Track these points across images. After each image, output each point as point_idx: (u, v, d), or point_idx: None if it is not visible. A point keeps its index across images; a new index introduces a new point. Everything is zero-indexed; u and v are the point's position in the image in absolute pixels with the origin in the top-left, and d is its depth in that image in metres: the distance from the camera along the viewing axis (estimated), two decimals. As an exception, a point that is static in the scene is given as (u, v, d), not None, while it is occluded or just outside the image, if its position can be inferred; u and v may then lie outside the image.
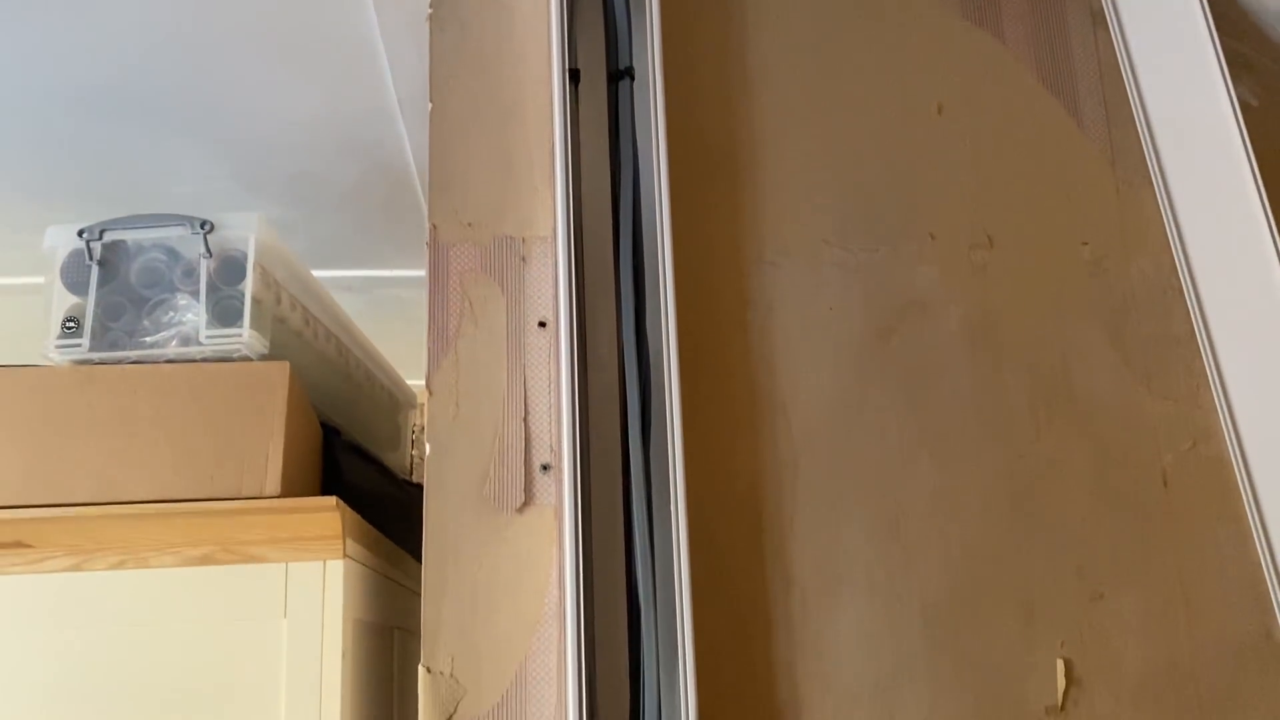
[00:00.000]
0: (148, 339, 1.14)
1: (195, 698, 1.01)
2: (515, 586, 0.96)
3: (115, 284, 1.16)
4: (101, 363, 1.12)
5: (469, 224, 1.09)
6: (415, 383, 1.87)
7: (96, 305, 1.14)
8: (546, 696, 0.93)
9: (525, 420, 1.01)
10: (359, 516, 1.14)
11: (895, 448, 1.10)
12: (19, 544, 1.03)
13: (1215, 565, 1.09)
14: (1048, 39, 1.31)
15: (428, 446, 1.00)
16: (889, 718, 1.00)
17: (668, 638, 0.94)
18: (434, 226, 1.08)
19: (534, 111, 1.12)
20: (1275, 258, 1.15)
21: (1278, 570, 1.08)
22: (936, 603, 1.05)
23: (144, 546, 1.04)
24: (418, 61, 1.39)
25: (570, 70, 1.12)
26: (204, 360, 1.13)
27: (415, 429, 1.91)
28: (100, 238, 1.16)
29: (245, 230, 1.17)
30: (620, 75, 1.15)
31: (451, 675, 0.93)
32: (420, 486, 1.01)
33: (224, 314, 1.15)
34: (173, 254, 1.17)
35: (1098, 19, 1.32)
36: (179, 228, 1.17)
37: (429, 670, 0.93)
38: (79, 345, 1.13)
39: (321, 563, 1.06)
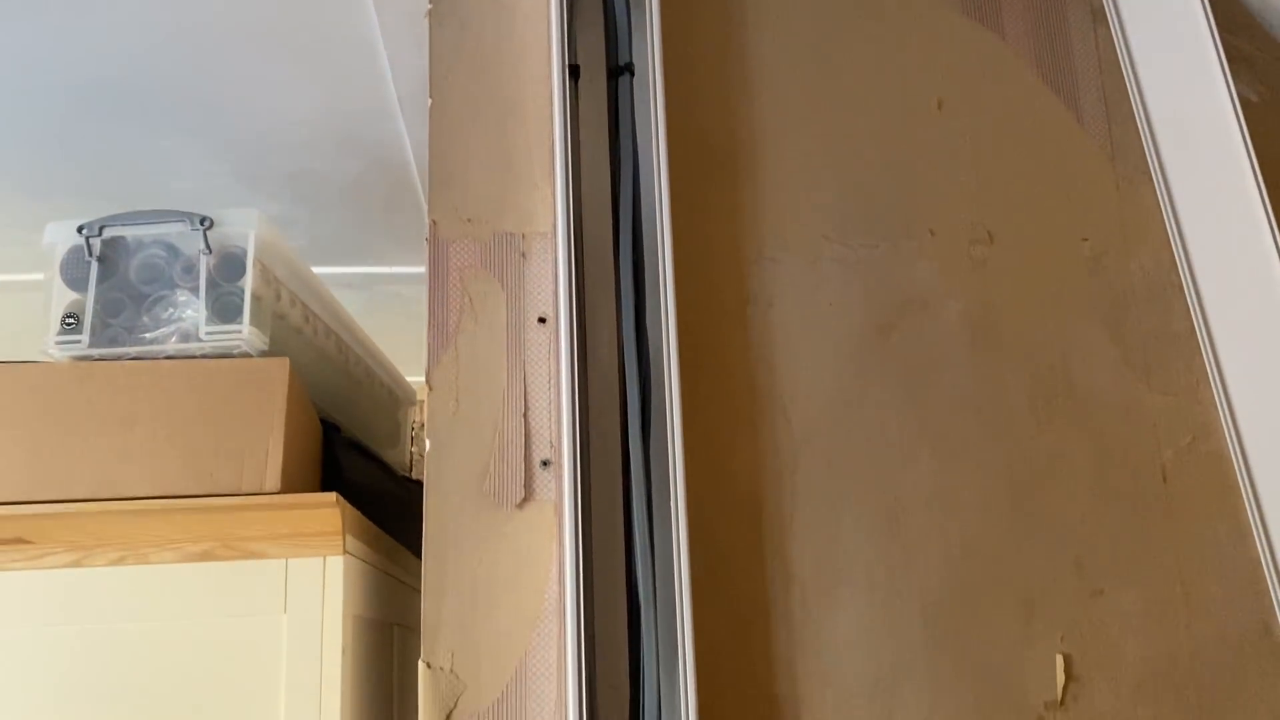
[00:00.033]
0: (147, 335, 1.14)
1: (195, 694, 1.01)
2: (515, 582, 0.96)
3: (115, 280, 1.16)
4: (101, 359, 1.12)
5: (469, 220, 1.08)
6: (415, 379, 1.87)
7: (96, 301, 1.14)
8: (546, 692, 0.93)
9: (525, 416, 1.02)
10: (359, 513, 1.14)
11: (895, 444, 1.10)
12: (19, 540, 1.03)
13: (1214, 561, 1.09)
14: (1048, 35, 1.31)
15: (428, 442, 1.00)
16: (889, 714, 1.01)
17: (667, 634, 0.94)
18: (434, 223, 1.08)
19: (534, 108, 1.12)
20: (1275, 254, 1.15)
21: (1277, 566, 1.08)
22: (936, 599, 1.05)
23: (144, 543, 1.04)
24: (417, 58, 1.39)
25: (570, 66, 1.12)
26: (204, 356, 1.13)
27: (415, 425, 1.91)
28: (100, 234, 1.16)
29: (245, 226, 1.17)
30: (620, 71, 1.15)
31: (451, 671, 0.93)
32: (420, 483, 1.01)
33: (224, 310, 1.15)
34: (172, 250, 1.17)
35: (1098, 15, 1.32)
36: (179, 224, 1.17)
37: (429, 666, 0.93)
38: (79, 341, 1.12)
39: (321, 559, 1.06)
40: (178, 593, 1.04)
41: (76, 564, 1.04)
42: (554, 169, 1.07)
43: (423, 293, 1.06)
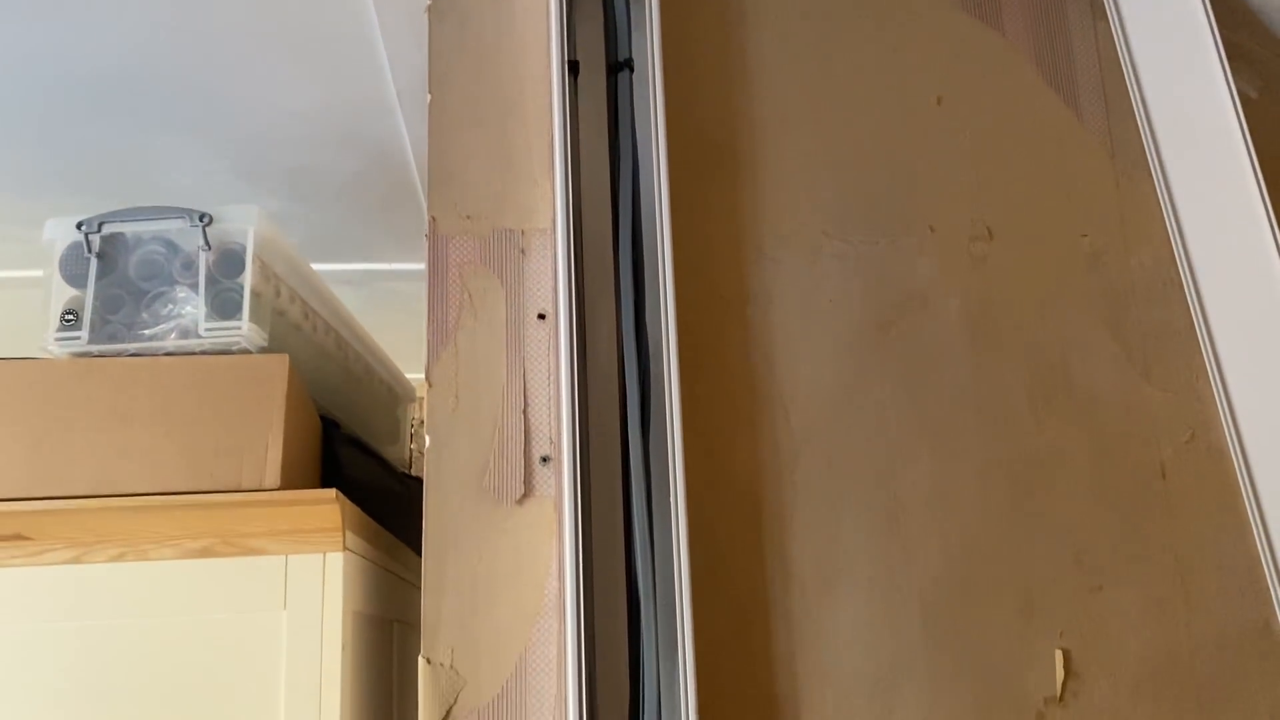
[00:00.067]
0: (147, 332, 1.14)
1: (195, 690, 1.01)
2: (515, 578, 0.96)
3: (114, 277, 1.16)
4: (100, 355, 1.12)
5: (468, 216, 1.08)
6: (414, 376, 1.87)
7: (95, 298, 1.14)
8: (546, 688, 0.93)
9: (525, 412, 1.02)
10: (358, 509, 1.14)
11: (895, 441, 1.10)
12: (18, 536, 1.03)
13: (1214, 557, 1.10)
14: (1047, 31, 1.31)
15: (427, 439, 1.00)
16: (889, 711, 1.01)
17: (667, 630, 0.94)
18: (433, 219, 1.08)
19: (533, 104, 1.12)
20: (1274, 250, 1.15)
21: (1276, 561, 1.08)
22: (936, 596, 1.05)
23: (143, 539, 1.04)
24: (417, 54, 1.39)
25: (569, 62, 1.12)
26: (203, 353, 1.13)
27: (414, 422, 1.91)
28: (99, 230, 1.16)
29: (244, 223, 1.17)
30: (620, 67, 1.15)
31: (451, 667, 0.93)
32: (419, 480, 1.01)
33: (223, 307, 1.15)
34: (171, 247, 1.17)
35: (1097, 11, 1.32)
36: (178, 220, 1.17)
37: (429, 662, 0.93)
38: (78, 338, 1.12)
39: (321, 555, 1.06)
40: (177, 589, 1.04)
41: (76, 560, 1.04)
42: (553, 165, 1.07)
43: (422, 289, 1.06)
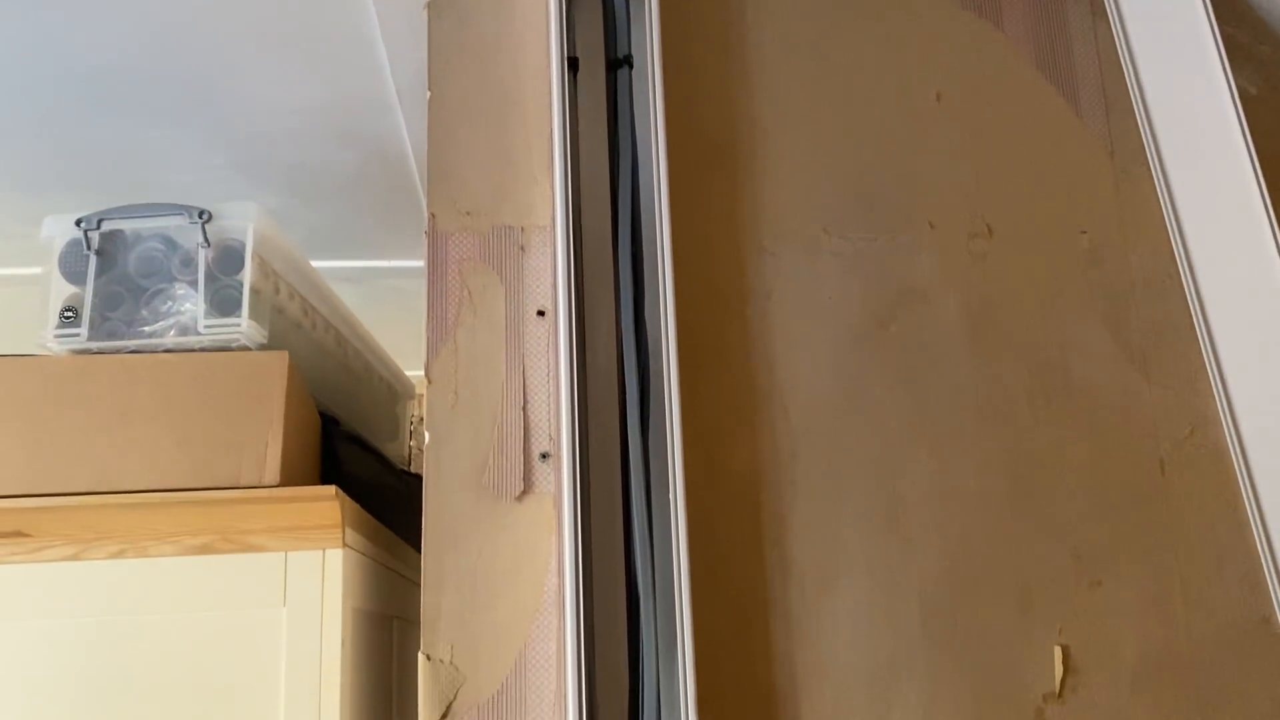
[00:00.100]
0: (146, 329, 1.14)
1: (195, 687, 1.01)
2: (514, 575, 0.96)
3: (113, 274, 1.16)
4: (100, 352, 1.12)
5: (467, 213, 1.08)
6: (414, 373, 1.88)
7: (94, 295, 1.14)
8: (546, 684, 0.93)
9: (524, 409, 1.02)
10: (358, 506, 1.14)
11: (893, 437, 1.10)
12: (18, 533, 1.03)
13: (1213, 553, 1.10)
14: (1047, 28, 1.31)
15: (427, 435, 1.00)
16: (887, 706, 1.01)
17: (667, 626, 0.94)
18: (432, 216, 1.08)
19: (532, 100, 1.12)
20: (1274, 247, 1.15)
21: (1275, 557, 1.08)
22: (934, 591, 1.05)
23: (143, 536, 1.04)
24: (416, 50, 1.38)
25: (569, 59, 1.12)
26: (202, 350, 1.13)
27: (414, 420, 1.92)
28: (98, 227, 1.16)
29: (243, 220, 1.17)
30: (619, 64, 1.15)
31: (451, 663, 0.93)
32: (419, 477, 1.01)
33: (222, 304, 1.15)
34: (171, 244, 1.17)
35: (1097, 8, 1.32)
36: (177, 217, 1.17)
37: (429, 658, 0.93)
38: (77, 335, 1.13)
39: (321, 552, 1.06)
40: (177, 586, 1.04)
41: (75, 557, 1.04)
42: (553, 162, 1.07)
43: (422, 286, 1.06)
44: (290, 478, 1.07)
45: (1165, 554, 1.09)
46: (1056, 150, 1.25)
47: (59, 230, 1.17)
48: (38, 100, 1.55)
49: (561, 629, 0.93)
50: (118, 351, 1.12)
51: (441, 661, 0.93)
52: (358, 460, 1.32)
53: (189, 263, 1.16)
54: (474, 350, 1.04)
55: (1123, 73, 1.29)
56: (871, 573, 1.05)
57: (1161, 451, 1.13)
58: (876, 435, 1.10)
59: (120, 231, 1.17)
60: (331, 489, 1.06)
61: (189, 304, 1.14)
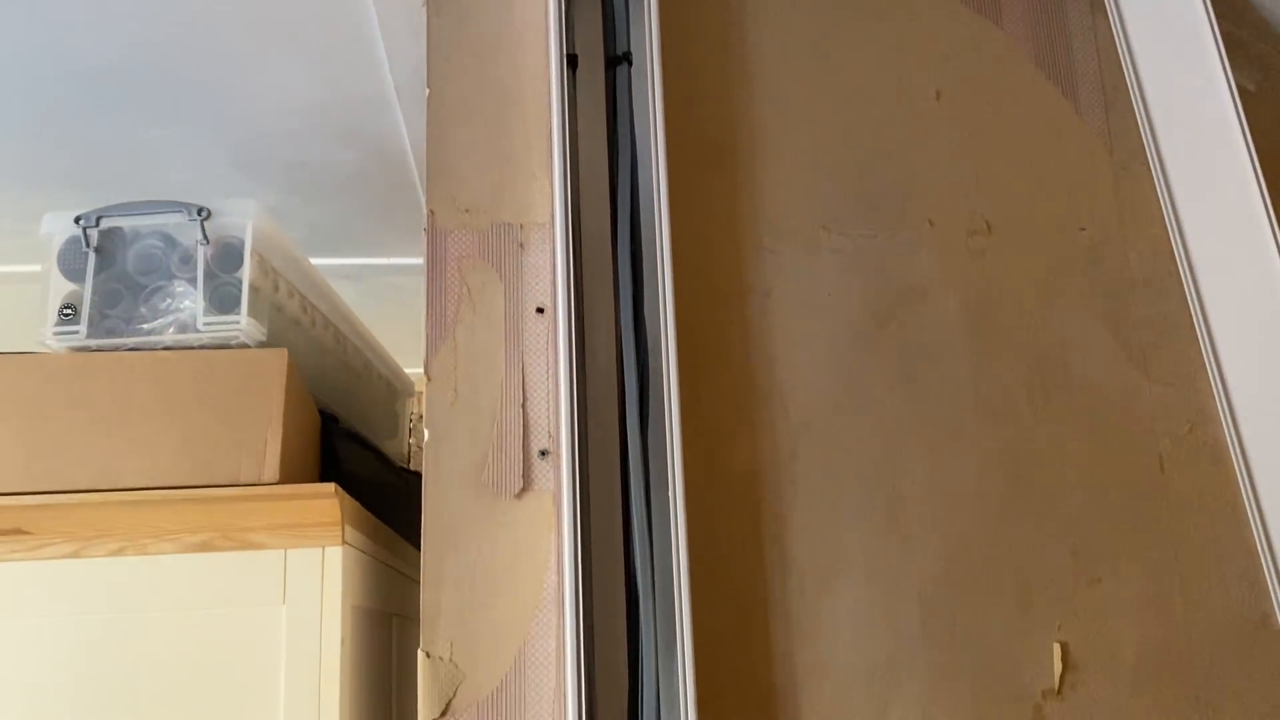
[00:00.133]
0: (145, 326, 1.14)
1: (195, 685, 1.01)
2: (514, 572, 0.96)
3: (112, 271, 1.16)
4: (99, 350, 1.12)
5: (467, 210, 1.08)
6: (413, 371, 1.87)
7: (94, 292, 1.14)
8: (545, 681, 0.93)
9: (523, 406, 1.02)
10: (357, 503, 1.14)
11: (893, 434, 1.10)
12: (18, 531, 1.03)
13: (1211, 549, 1.10)
14: (1046, 26, 1.30)
15: (426, 432, 1.00)
16: (886, 703, 1.01)
17: (666, 623, 0.94)
18: (432, 213, 1.08)
19: (532, 97, 1.12)
20: (1272, 243, 1.15)
21: (1274, 555, 1.09)
22: (934, 589, 1.05)
23: (143, 533, 1.04)
24: (415, 47, 1.38)
25: (568, 56, 1.12)
26: (202, 347, 1.13)
27: (413, 417, 1.92)
28: (97, 224, 1.16)
29: (243, 217, 1.17)
30: (618, 61, 1.15)
31: (451, 660, 0.93)
32: (418, 474, 1.01)
33: (222, 301, 1.15)
34: (170, 241, 1.17)
35: (1096, 5, 1.32)
36: (176, 214, 1.17)
37: (428, 655, 0.93)
38: (76, 332, 1.12)
39: (320, 549, 1.06)
40: (176, 583, 1.04)
41: (75, 555, 1.04)
42: (552, 159, 1.07)
43: (421, 284, 1.06)
44: (290, 475, 1.07)
45: (1164, 551, 1.09)
46: (1056, 148, 1.25)
47: (58, 227, 1.17)
48: (38, 98, 1.55)
49: (561, 626, 0.93)
50: (117, 349, 1.12)
51: (441, 659, 0.93)
52: (357, 458, 1.32)
53: (188, 260, 1.16)
54: (473, 348, 1.04)
55: (1122, 70, 1.29)
56: (871, 571, 1.05)
57: (1161, 449, 1.13)
58: (876, 433, 1.10)
59: (119, 229, 1.17)
60: (331, 486, 1.06)
61: (188, 301, 1.14)
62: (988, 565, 1.07)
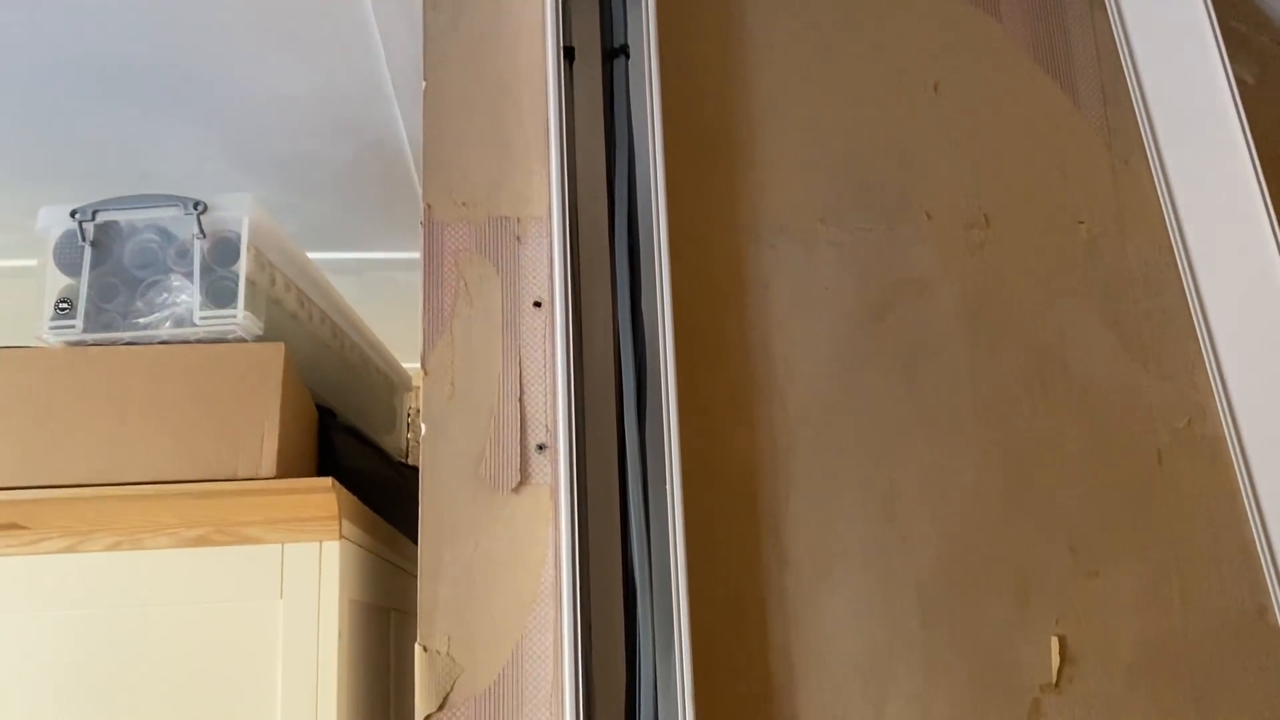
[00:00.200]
0: (141, 320, 1.13)
1: (191, 679, 1.01)
2: (511, 566, 0.96)
3: (108, 265, 1.16)
4: (95, 344, 1.12)
5: (463, 204, 1.08)
6: (410, 365, 1.87)
7: (90, 286, 1.14)
8: (542, 675, 0.93)
9: (521, 400, 1.01)
10: (355, 498, 1.14)
11: (890, 427, 1.10)
12: (14, 526, 1.03)
13: (1209, 543, 1.10)
14: (1045, 18, 1.30)
15: (423, 427, 1.00)
16: (884, 697, 1.01)
17: (663, 617, 0.94)
18: (428, 206, 1.08)
19: (529, 90, 1.12)
20: (1271, 237, 1.15)
21: (1271, 549, 1.09)
22: (931, 581, 1.05)
23: (139, 528, 1.04)
24: (411, 40, 1.38)
25: (565, 48, 1.11)
26: (198, 341, 1.13)
27: (411, 412, 1.91)
28: (93, 218, 1.16)
29: (239, 211, 1.17)
30: (616, 53, 1.15)
31: (448, 654, 0.93)
32: (416, 469, 1.00)
33: (218, 295, 1.14)
34: (166, 235, 1.17)
35: (1095, -2, 1.32)
36: (172, 208, 1.17)
37: (425, 650, 0.93)
38: (72, 326, 1.12)
39: (318, 544, 1.06)
40: (173, 578, 1.04)
41: (72, 549, 1.04)
42: (549, 152, 1.06)
43: (418, 278, 1.06)
44: (287, 470, 1.07)
45: (1162, 545, 1.09)
46: (1054, 141, 1.25)
47: (54, 221, 1.16)
48: (32, 92, 1.55)
49: (558, 620, 0.93)
50: (113, 343, 1.12)
51: (438, 653, 0.93)
52: (354, 452, 1.32)
53: (184, 254, 1.16)
54: (470, 342, 1.03)
55: (1120, 63, 1.28)
56: (868, 563, 1.05)
57: (1159, 442, 1.13)
58: (873, 425, 1.10)
59: (115, 223, 1.17)
60: (328, 481, 1.06)
61: (184, 295, 1.14)
62: (986, 559, 1.07)
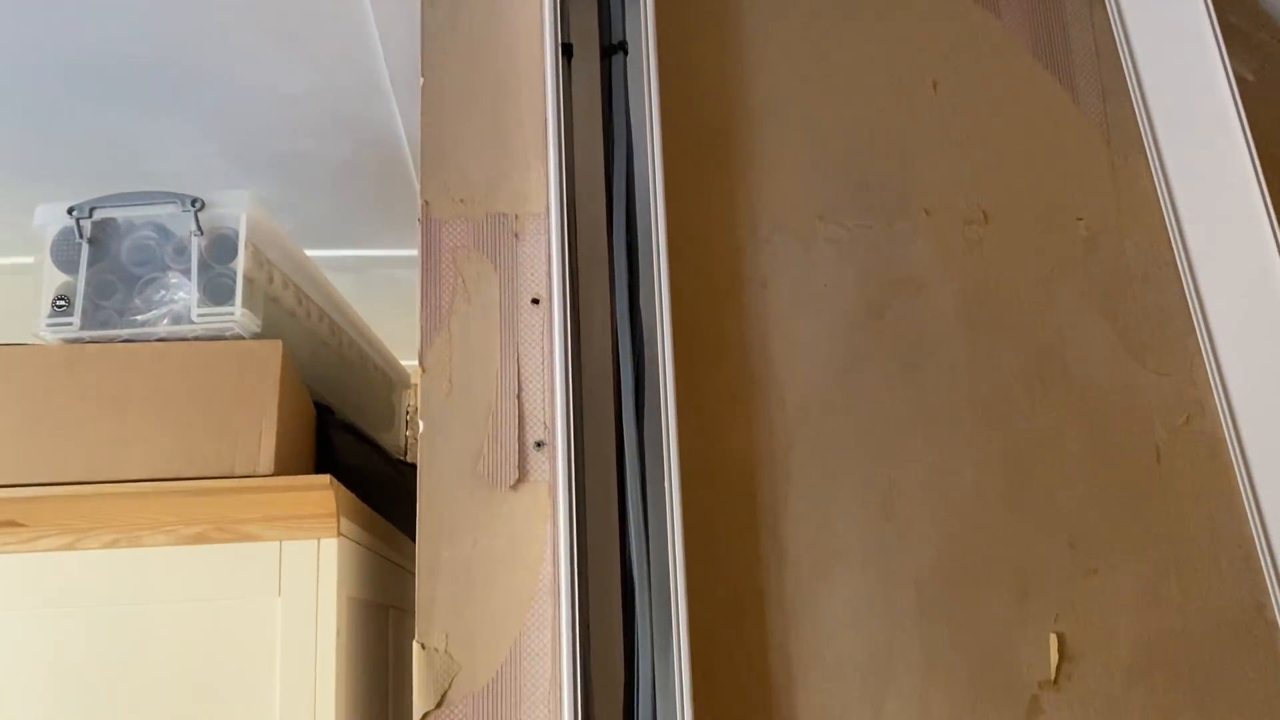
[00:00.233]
0: (139, 317, 1.13)
1: (189, 677, 1.01)
2: (509, 563, 0.96)
3: (106, 262, 1.15)
4: (93, 341, 1.12)
5: (461, 201, 1.08)
6: (409, 362, 1.87)
7: (87, 284, 1.14)
8: (541, 672, 0.93)
9: (519, 397, 1.01)
10: (353, 495, 1.14)
11: (890, 424, 1.10)
12: (12, 523, 1.03)
13: (1208, 540, 1.10)
14: (1044, 14, 1.30)
15: (421, 424, 1.00)
16: (883, 695, 1.01)
17: (662, 615, 0.94)
18: (426, 203, 1.08)
19: (527, 87, 1.12)
20: (1270, 234, 1.15)
21: (1270, 546, 1.08)
22: (930, 579, 1.05)
23: (137, 525, 1.04)
24: (409, 37, 1.38)
25: (563, 45, 1.11)
26: (196, 339, 1.13)
27: (409, 409, 1.91)
28: (90, 215, 1.15)
29: (236, 208, 1.17)
30: (614, 50, 1.15)
31: (446, 651, 0.93)
32: (414, 466, 1.00)
33: (216, 292, 1.14)
34: (164, 232, 1.17)
35: (1094, -6, 1.32)
36: (170, 205, 1.17)
37: (423, 647, 0.93)
38: (70, 324, 1.12)
39: (316, 541, 1.06)
40: (171, 575, 1.04)
41: (69, 547, 1.04)
42: (547, 149, 1.06)
43: (416, 275, 1.06)
44: (284, 467, 1.07)
45: (1161, 542, 1.09)
46: (1053, 137, 1.25)
47: (51, 219, 1.16)
48: (30, 89, 1.55)
49: (557, 618, 0.93)
50: (111, 341, 1.12)
51: (436, 650, 0.93)
52: (352, 449, 1.32)
53: (182, 251, 1.16)
54: (468, 338, 1.03)
55: (1119, 59, 1.28)
56: (868, 561, 1.05)
57: (1157, 439, 1.13)
58: (873, 423, 1.10)
59: (113, 220, 1.16)
60: (326, 478, 1.06)
61: (182, 292, 1.14)
62: (984, 556, 1.07)
